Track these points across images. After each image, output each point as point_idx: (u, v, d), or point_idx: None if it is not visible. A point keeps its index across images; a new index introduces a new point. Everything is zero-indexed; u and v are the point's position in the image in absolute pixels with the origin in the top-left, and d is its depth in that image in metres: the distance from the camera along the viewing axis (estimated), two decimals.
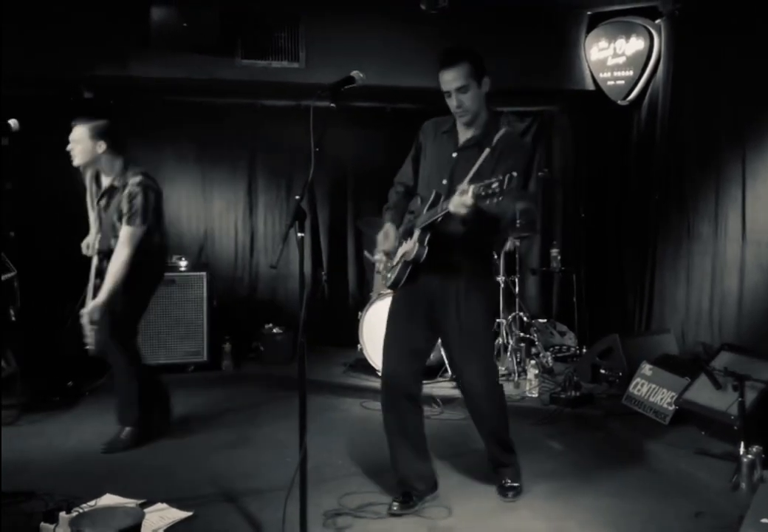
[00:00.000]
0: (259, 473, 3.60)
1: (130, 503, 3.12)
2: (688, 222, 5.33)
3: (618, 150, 6.23)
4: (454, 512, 3.16)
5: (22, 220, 5.11)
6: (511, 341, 5.53)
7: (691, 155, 5.34)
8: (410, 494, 3.19)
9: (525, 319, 5.79)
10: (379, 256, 3.31)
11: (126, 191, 3.80)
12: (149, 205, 3.83)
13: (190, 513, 3.10)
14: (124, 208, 3.78)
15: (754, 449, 3.29)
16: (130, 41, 5.33)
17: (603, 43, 5.95)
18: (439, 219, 2.93)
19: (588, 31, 6.06)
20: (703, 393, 3.99)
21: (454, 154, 3.09)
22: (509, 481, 3.32)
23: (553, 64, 6.10)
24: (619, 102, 6.00)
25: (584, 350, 5.78)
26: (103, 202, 3.92)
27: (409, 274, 3.09)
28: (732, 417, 3.66)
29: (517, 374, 5.28)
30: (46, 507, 3.01)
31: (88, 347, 3.75)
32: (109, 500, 3.19)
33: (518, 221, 5.71)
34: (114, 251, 3.79)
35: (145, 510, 2.92)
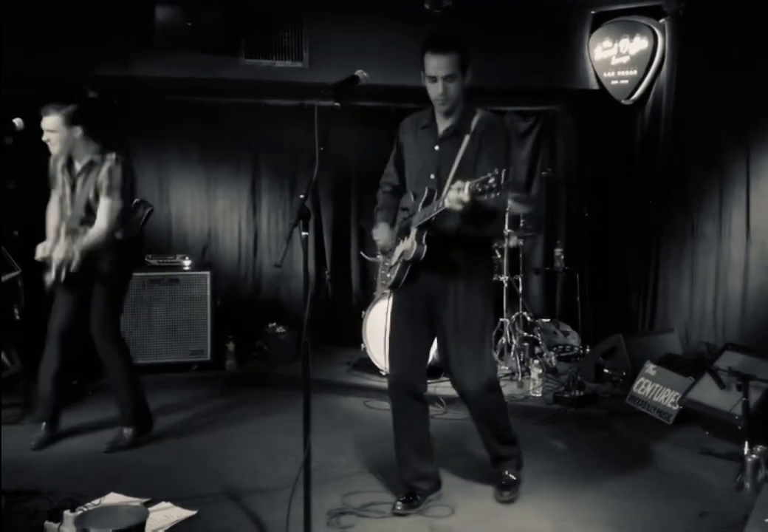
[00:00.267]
0: (263, 472, 3.60)
1: (135, 501, 3.13)
2: (692, 221, 5.32)
3: (622, 149, 6.22)
4: (456, 512, 3.16)
5: (25, 219, 5.11)
6: (514, 341, 5.52)
7: (695, 155, 5.33)
8: (414, 494, 3.19)
9: (528, 318, 5.78)
10: (381, 257, 3.32)
11: (106, 166, 3.81)
12: (127, 183, 3.84)
13: (194, 512, 3.11)
14: (104, 182, 3.79)
15: (759, 448, 3.29)
16: (134, 41, 5.33)
17: (607, 43, 5.95)
18: (435, 216, 2.92)
19: (592, 31, 6.05)
20: (707, 393, 3.99)
21: (437, 147, 3.08)
22: (507, 473, 3.30)
23: (557, 64, 6.09)
24: (622, 101, 5.99)
25: (588, 350, 5.77)
26: (80, 180, 3.88)
27: (408, 273, 3.08)
28: (736, 417, 3.66)
29: (520, 374, 5.27)
30: (50, 506, 3.01)
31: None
32: (113, 498, 3.20)
33: (522, 222, 5.72)
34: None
35: (150, 509, 2.92)
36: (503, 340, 5.58)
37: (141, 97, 6.02)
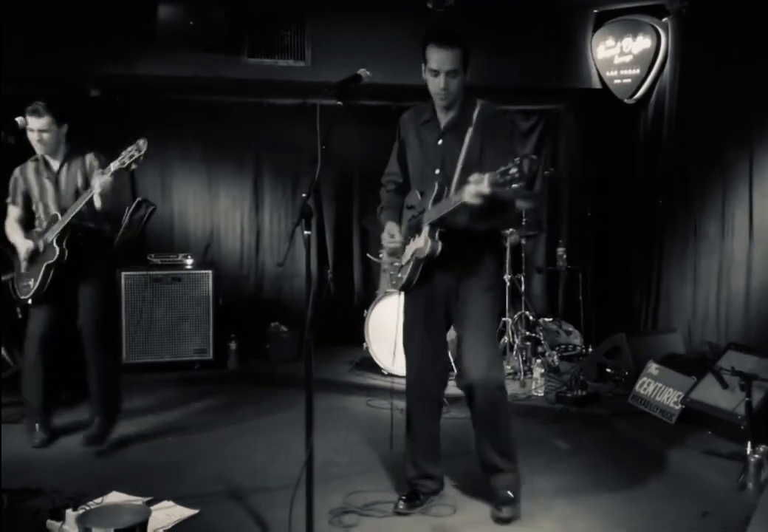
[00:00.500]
0: (265, 472, 3.60)
1: (137, 500, 3.12)
2: (695, 221, 5.32)
3: (624, 149, 6.22)
4: (459, 511, 3.15)
5: None
6: (517, 340, 5.52)
7: (698, 154, 5.32)
8: (417, 493, 3.18)
9: (531, 318, 5.78)
10: (386, 257, 3.27)
11: (88, 156, 3.89)
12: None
13: (196, 511, 3.11)
14: (94, 163, 3.85)
15: (761, 448, 3.28)
16: (136, 40, 5.34)
17: (610, 42, 5.94)
18: (448, 212, 2.85)
19: (595, 30, 6.05)
20: (709, 393, 3.98)
21: (440, 142, 3.03)
22: (505, 490, 3.06)
23: (560, 63, 6.09)
24: (625, 100, 5.98)
25: (590, 349, 5.77)
26: (63, 174, 3.92)
27: (421, 272, 3.02)
28: (739, 417, 3.65)
29: (522, 373, 5.27)
30: (52, 505, 3.01)
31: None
32: (115, 497, 3.19)
33: (524, 220, 5.71)
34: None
35: (152, 508, 2.91)
36: (506, 339, 5.58)
37: (143, 96, 6.03)
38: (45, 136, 3.82)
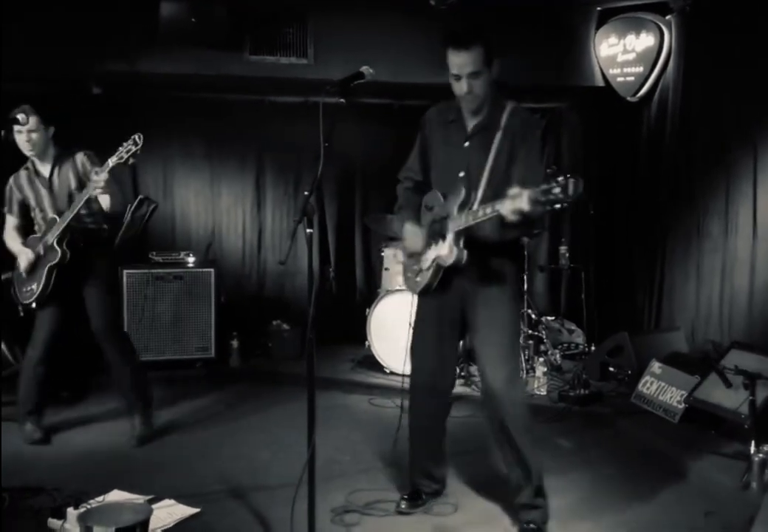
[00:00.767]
0: (267, 470, 3.60)
1: (138, 499, 3.12)
2: (698, 219, 5.30)
3: (628, 147, 6.20)
4: (460, 510, 3.15)
5: None
6: (519, 339, 5.51)
7: (702, 152, 5.30)
8: (419, 492, 3.18)
9: (533, 316, 5.77)
10: (404, 259, 3.16)
11: (78, 156, 3.89)
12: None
13: (197, 510, 3.10)
14: (86, 164, 3.86)
15: (765, 448, 3.27)
16: (138, 37, 5.32)
17: (613, 39, 5.92)
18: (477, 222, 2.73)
19: (598, 27, 6.02)
20: (713, 392, 3.97)
21: (466, 144, 2.93)
22: (532, 525, 2.93)
23: (563, 61, 6.07)
24: (628, 98, 5.96)
25: (593, 348, 5.76)
26: (55, 176, 3.92)
27: (440, 278, 2.94)
28: (742, 416, 3.64)
29: (525, 372, 5.26)
30: (54, 503, 3.02)
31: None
32: (117, 496, 3.19)
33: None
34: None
35: (153, 506, 2.91)
36: None
37: (145, 93, 6.02)
38: (34, 136, 3.84)
